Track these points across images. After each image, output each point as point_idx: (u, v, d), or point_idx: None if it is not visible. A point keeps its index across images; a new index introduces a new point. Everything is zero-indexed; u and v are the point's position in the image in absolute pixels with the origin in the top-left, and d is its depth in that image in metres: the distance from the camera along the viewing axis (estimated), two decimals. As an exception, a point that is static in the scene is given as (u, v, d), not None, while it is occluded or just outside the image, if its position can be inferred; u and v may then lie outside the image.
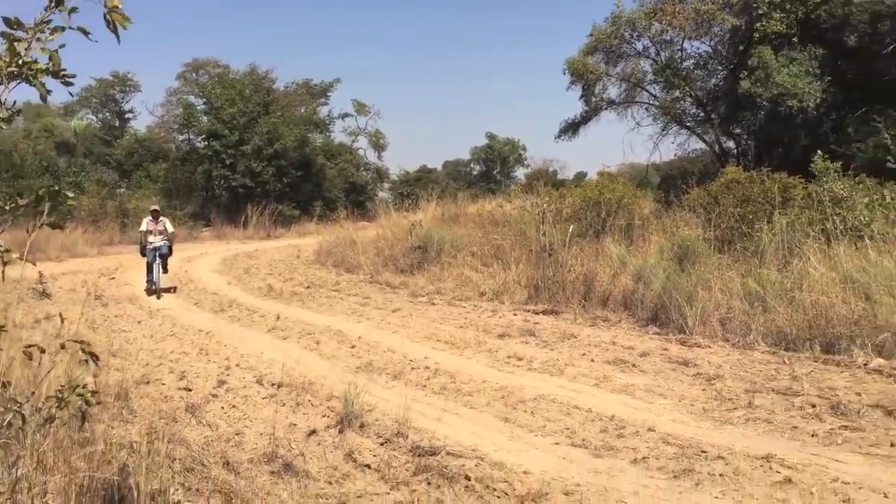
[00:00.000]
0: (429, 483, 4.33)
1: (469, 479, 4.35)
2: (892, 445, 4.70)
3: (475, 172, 56.60)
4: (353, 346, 8.39)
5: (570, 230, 11.60)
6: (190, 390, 6.62)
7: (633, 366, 7.09)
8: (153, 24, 68.31)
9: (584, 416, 5.61)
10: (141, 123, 51.80)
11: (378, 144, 45.05)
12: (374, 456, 4.83)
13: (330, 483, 4.38)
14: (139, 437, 4.32)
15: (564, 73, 21.21)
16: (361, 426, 5.40)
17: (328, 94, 40.80)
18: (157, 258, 13.00)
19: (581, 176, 44.68)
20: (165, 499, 3.41)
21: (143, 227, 13.46)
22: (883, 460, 4.49)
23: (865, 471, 4.33)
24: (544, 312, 10.07)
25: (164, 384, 6.84)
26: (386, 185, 46.69)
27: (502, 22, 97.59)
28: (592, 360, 7.37)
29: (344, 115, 43.19)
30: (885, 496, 3.97)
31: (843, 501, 3.93)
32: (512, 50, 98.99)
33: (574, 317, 9.59)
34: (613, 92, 22.38)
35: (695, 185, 13.83)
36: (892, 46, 16.20)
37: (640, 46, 20.84)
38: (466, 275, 12.82)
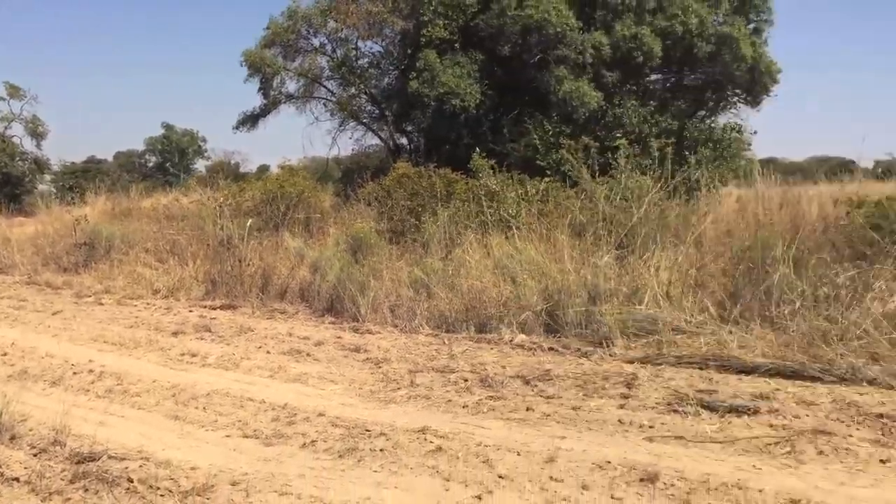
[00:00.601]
0: (86, 490, 4.14)
1: (132, 481, 4.23)
2: (527, 410, 5.38)
3: (150, 164, 53.66)
4: (4, 354, 7.65)
5: (249, 224, 11.54)
6: None
7: (308, 355, 7.30)
8: None
9: (256, 407, 5.70)
10: None
11: (36, 132, 40.61)
12: (26, 468, 4.50)
13: (-30, 503, 4.02)
14: None
15: (242, 66, 20.94)
16: (12, 438, 4.99)
17: (-27, 74, 35.99)
18: None
19: (264, 169, 44.31)
20: None
21: None
22: (518, 423, 5.13)
23: (504, 434, 4.92)
24: (222, 307, 9.94)
25: None
26: (47, 178, 42.35)
27: (181, 15, 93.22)
28: (268, 352, 7.46)
29: (-8, 100, 38.40)
30: (518, 454, 4.54)
31: (484, 462, 4.44)
32: (194, 42, 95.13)
33: (252, 310, 9.60)
34: (292, 86, 22.55)
35: (370, 180, 14.46)
36: (538, 56, 18.21)
37: (316, 42, 21.25)
38: (139, 272, 12.21)
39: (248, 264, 10.80)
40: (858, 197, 9.05)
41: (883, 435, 4.62)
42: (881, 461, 4.26)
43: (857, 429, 4.74)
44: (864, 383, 5.54)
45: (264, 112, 22.44)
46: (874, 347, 5.94)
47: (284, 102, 22.39)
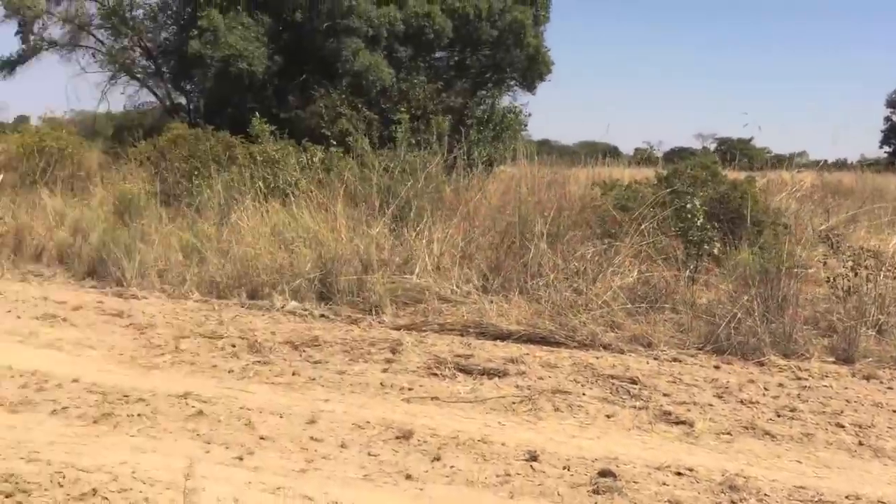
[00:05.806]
0: None
1: None
2: (293, 374, 5.47)
3: None
4: None
5: (1, 178, 10.62)
6: None
7: (64, 320, 6.91)
8: None
9: (1, 374, 5.34)
10: None
11: None
12: None
13: None
14: None
15: (-3, 5, 18.92)
16: None
17: None
18: None
19: (23, 119, 40.28)
20: None
21: None
22: (284, 387, 5.22)
23: (268, 397, 4.99)
24: (-37, 269, 9.11)
25: None
26: None
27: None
28: (19, 317, 6.98)
29: None
30: (281, 416, 4.64)
31: (246, 424, 4.49)
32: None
33: (2, 273, 8.88)
34: (56, 32, 20.65)
35: (143, 139, 13.75)
36: (326, 24, 18.06)
37: (84, -15, 19.65)
38: None
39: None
40: (611, 180, 9.96)
41: (611, 393, 5.20)
42: (607, 416, 4.81)
43: (590, 388, 5.30)
44: (601, 348, 6.19)
45: (23, 59, 20.44)
46: (612, 316, 6.63)
47: (47, 49, 20.51)
